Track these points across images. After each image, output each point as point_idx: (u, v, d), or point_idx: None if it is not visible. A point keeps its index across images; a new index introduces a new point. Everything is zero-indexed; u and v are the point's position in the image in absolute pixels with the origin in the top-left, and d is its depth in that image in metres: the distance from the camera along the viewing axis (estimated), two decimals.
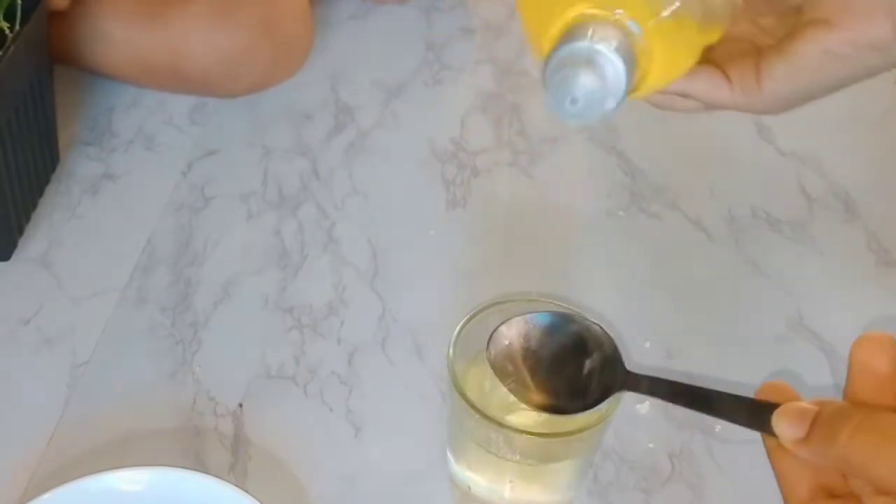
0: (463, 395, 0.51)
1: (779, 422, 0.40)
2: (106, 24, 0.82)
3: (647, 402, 0.65)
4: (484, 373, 0.54)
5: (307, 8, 0.89)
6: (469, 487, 0.56)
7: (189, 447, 0.61)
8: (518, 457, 0.52)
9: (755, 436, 0.63)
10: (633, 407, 0.64)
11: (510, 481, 0.55)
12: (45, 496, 0.54)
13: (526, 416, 0.53)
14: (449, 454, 0.57)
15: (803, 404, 0.39)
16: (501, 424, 0.51)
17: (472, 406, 0.51)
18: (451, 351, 0.53)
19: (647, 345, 0.69)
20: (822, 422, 0.38)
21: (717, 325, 0.71)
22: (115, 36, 0.82)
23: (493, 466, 0.54)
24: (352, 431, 0.63)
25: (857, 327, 0.71)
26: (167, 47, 0.82)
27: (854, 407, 0.38)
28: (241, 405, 0.64)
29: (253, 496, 0.54)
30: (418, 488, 0.60)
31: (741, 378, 0.68)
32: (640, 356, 0.67)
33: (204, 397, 0.64)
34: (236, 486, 0.55)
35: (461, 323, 0.54)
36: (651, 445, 0.63)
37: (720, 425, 0.64)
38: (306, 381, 0.65)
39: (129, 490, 0.55)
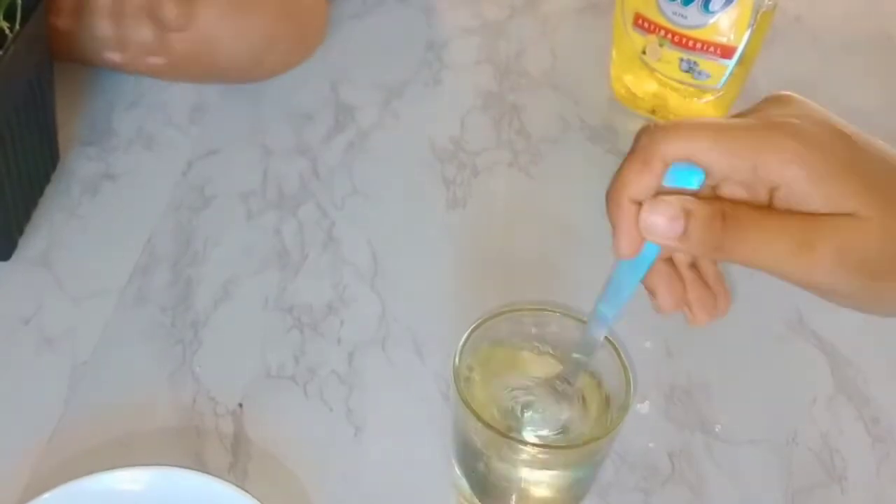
0: (468, 404, 0.51)
1: (656, 219, 0.42)
2: (128, 23, 0.81)
3: (647, 402, 0.65)
4: (488, 382, 0.54)
5: None
6: (472, 495, 0.56)
7: (189, 447, 0.61)
8: (523, 467, 0.52)
9: (755, 436, 0.64)
10: (633, 407, 0.64)
11: (515, 491, 0.55)
12: (45, 496, 0.54)
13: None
14: (453, 461, 0.57)
15: (670, 200, 0.41)
16: (506, 435, 0.50)
17: (477, 416, 0.50)
18: (456, 360, 0.52)
19: (648, 345, 0.69)
20: (699, 218, 0.41)
21: (717, 325, 0.71)
22: (138, 35, 0.82)
23: (497, 476, 0.54)
24: (352, 431, 0.63)
25: (857, 327, 0.71)
26: (191, 39, 0.82)
27: (723, 202, 0.42)
28: (241, 405, 0.64)
29: (253, 496, 0.54)
30: (418, 488, 0.60)
31: (741, 378, 0.68)
32: (640, 356, 0.67)
33: (204, 397, 0.64)
34: (236, 485, 0.55)
35: (467, 331, 0.53)
36: (651, 445, 0.63)
37: (720, 425, 0.64)
38: (306, 381, 0.65)
39: (129, 490, 0.55)
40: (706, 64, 0.82)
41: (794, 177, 0.41)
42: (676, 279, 0.46)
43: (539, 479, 0.54)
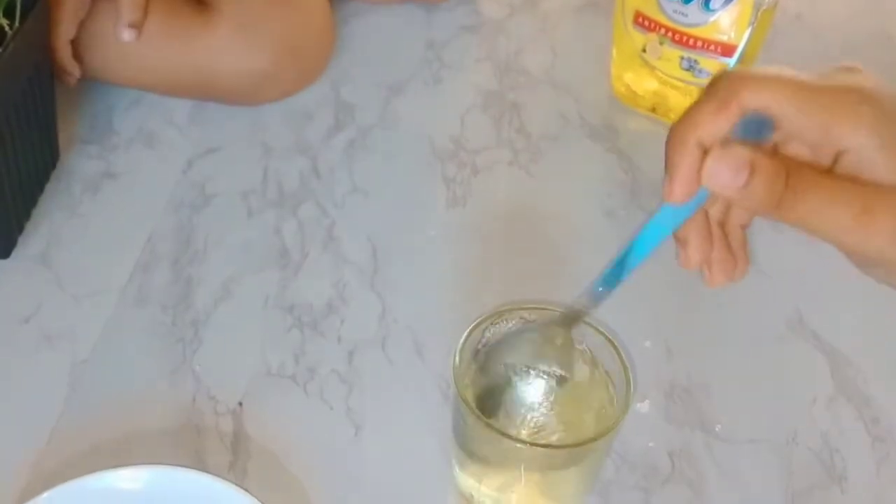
0: (467, 403, 0.51)
1: (720, 167, 0.40)
2: (131, 45, 0.81)
3: (647, 402, 0.65)
4: (488, 381, 0.54)
5: (329, 22, 0.90)
6: (472, 495, 0.56)
7: (189, 445, 0.61)
8: (523, 466, 0.52)
9: (755, 435, 0.64)
10: (633, 406, 0.64)
11: (515, 491, 0.55)
12: (45, 495, 0.54)
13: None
14: (453, 461, 0.57)
15: (739, 150, 0.40)
16: (506, 434, 0.50)
17: (477, 415, 0.50)
18: (456, 358, 0.52)
19: (648, 344, 0.69)
20: (763, 173, 0.39)
21: (717, 325, 0.71)
22: (140, 57, 0.82)
23: (497, 475, 0.54)
24: (352, 430, 0.63)
25: (857, 327, 0.71)
26: (194, 67, 0.83)
27: (787, 160, 0.41)
28: (241, 404, 0.64)
29: (253, 495, 0.54)
30: (418, 487, 0.60)
31: (741, 378, 0.68)
32: (640, 356, 0.67)
33: (204, 396, 0.64)
34: (236, 484, 0.55)
35: (467, 330, 0.53)
36: (651, 444, 0.63)
37: (720, 425, 0.64)
38: (306, 380, 0.65)
39: (129, 488, 0.55)
40: (707, 62, 0.82)
41: (865, 143, 0.40)
42: (708, 234, 0.46)
43: (539, 478, 0.54)
